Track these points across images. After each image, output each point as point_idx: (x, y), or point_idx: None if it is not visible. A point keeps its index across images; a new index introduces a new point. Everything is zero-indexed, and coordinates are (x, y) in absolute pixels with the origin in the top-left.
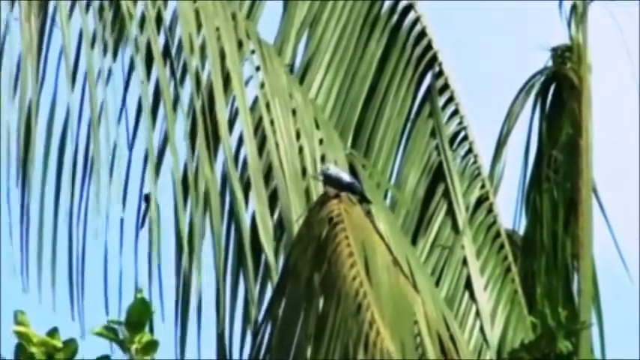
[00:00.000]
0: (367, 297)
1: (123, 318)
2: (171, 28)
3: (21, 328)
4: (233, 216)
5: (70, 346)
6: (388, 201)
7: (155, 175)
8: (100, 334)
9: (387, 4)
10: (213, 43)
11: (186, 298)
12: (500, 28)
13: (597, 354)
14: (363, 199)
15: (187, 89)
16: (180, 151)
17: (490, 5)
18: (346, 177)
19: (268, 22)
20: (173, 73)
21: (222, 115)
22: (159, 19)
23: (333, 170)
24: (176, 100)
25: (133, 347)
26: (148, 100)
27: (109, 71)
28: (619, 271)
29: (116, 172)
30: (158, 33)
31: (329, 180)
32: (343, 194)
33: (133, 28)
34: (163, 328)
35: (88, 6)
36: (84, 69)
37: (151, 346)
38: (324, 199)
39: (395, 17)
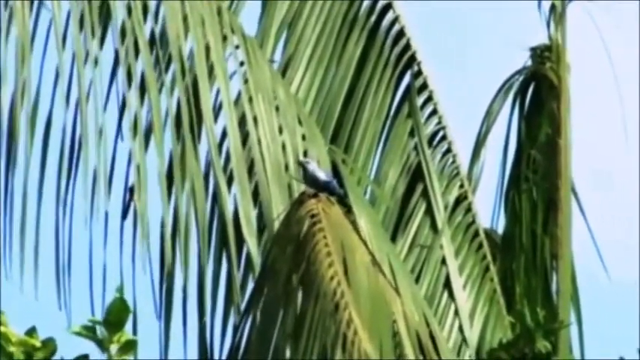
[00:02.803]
0: (345, 296)
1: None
2: (156, 16)
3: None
4: (216, 209)
5: (49, 345)
6: (368, 198)
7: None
8: (78, 334)
9: (365, 4)
10: (198, 33)
11: (169, 292)
12: (480, 28)
13: (576, 354)
14: (342, 201)
15: (172, 80)
16: (164, 141)
17: (470, 5)
18: (323, 176)
19: (248, 20)
20: (158, 61)
21: (207, 106)
22: (145, 9)
23: (312, 167)
24: (161, 88)
25: (112, 347)
26: (136, 87)
27: (96, 57)
28: (597, 270)
29: (102, 161)
30: (145, 20)
31: (305, 174)
32: (322, 195)
33: (119, 15)
34: (146, 324)
35: None
36: (70, 53)
37: (130, 345)
38: (302, 199)
39: (374, 17)
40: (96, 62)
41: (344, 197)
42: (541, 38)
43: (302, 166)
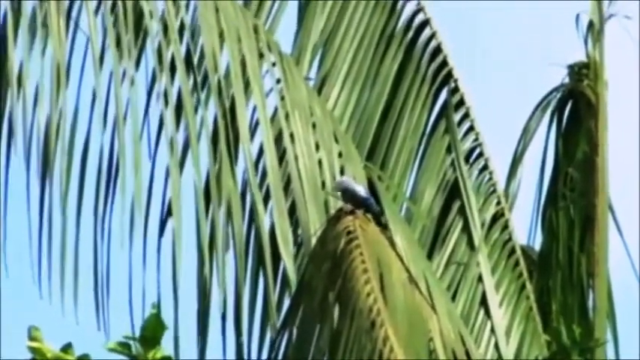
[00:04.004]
0: (381, 314)
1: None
2: (193, 35)
3: (34, 344)
4: (252, 226)
5: None
6: (404, 215)
7: (178, 184)
8: (113, 350)
9: (402, 20)
10: (234, 51)
11: (206, 310)
12: (517, 44)
13: None
14: (378, 221)
15: (209, 101)
16: (200, 161)
17: (507, 21)
18: (362, 192)
19: (283, 40)
20: (195, 80)
21: (244, 124)
22: (181, 27)
23: (349, 184)
24: (197, 106)
25: None
26: (171, 108)
27: (132, 80)
28: (634, 285)
29: (138, 180)
30: (180, 40)
31: (345, 194)
32: (359, 211)
33: (154, 31)
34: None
35: (113, 10)
36: (106, 73)
37: None
38: (339, 215)
39: (410, 33)
40: (132, 81)
41: (380, 215)
42: (578, 55)
43: (339, 186)
